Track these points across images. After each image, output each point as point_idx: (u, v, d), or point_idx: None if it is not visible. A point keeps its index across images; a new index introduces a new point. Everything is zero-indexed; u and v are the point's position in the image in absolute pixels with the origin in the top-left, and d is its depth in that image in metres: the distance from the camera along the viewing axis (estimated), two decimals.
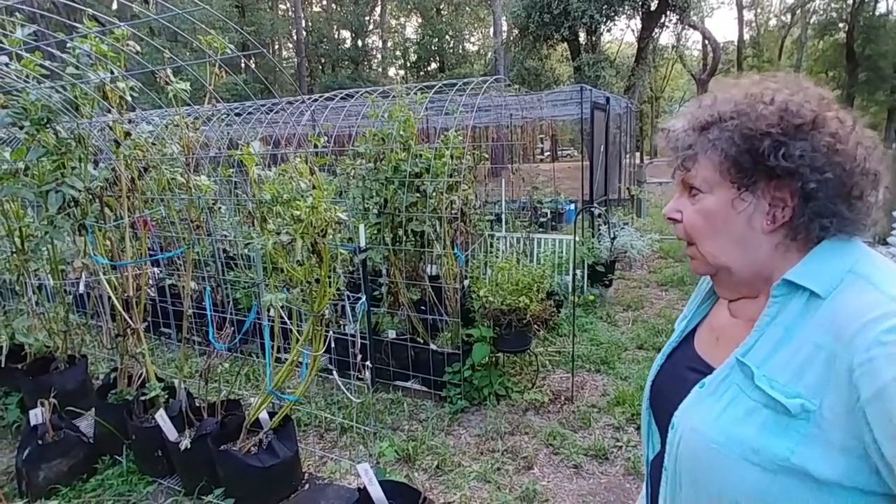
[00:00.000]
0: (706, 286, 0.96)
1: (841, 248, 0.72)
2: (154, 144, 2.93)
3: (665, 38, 26.08)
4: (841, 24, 26.78)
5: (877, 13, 25.43)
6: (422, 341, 3.73)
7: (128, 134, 2.60)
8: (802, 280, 0.71)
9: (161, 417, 2.71)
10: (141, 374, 2.99)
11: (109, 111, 2.63)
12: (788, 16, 32.59)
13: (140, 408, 2.92)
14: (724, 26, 71.65)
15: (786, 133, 0.69)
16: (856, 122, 0.73)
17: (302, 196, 2.24)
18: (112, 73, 2.50)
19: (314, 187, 2.22)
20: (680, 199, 0.82)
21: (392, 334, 3.76)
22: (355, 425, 3.06)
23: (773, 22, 35.53)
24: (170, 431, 2.72)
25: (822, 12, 28.81)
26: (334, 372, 2.63)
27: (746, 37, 33.61)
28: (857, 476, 0.62)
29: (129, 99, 2.66)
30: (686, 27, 22.36)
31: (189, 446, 2.59)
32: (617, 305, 5.56)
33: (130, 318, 2.86)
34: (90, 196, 2.58)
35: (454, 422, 3.39)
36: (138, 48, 2.62)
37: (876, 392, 0.59)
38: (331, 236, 2.34)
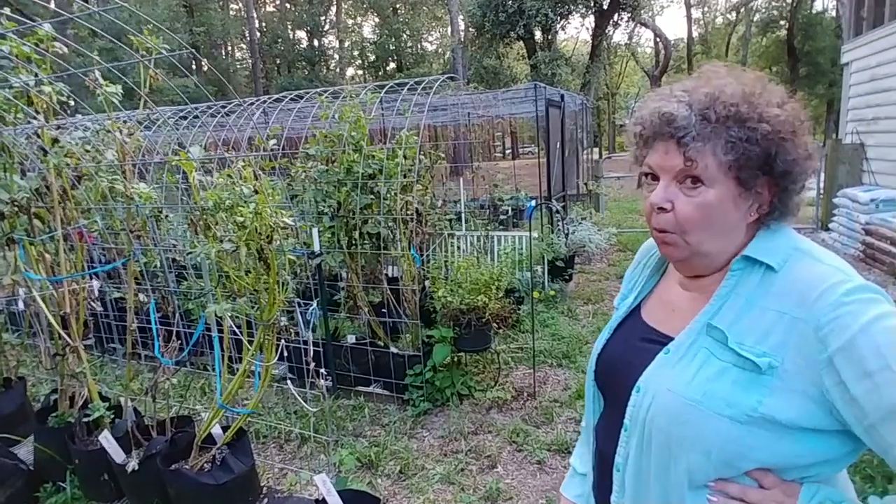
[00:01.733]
0: (651, 264, 1.02)
1: (781, 230, 0.84)
2: (88, 151, 2.77)
3: (618, 35, 26.68)
4: (782, 22, 28.04)
5: (814, 11, 26.78)
6: (382, 345, 3.68)
7: (55, 141, 2.45)
8: (760, 256, 0.80)
9: (105, 439, 2.57)
10: (83, 394, 2.83)
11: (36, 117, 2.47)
12: (734, 14, 33.90)
13: (83, 430, 2.76)
14: (674, 24, 74.10)
15: (788, 138, 0.77)
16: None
17: (245, 202, 2.16)
18: (36, 76, 2.35)
19: (256, 192, 2.14)
20: (669, 189, 0.81)
21: (352, 339, 3.69)
22: (313, 435, 2.98)
23: (719, 20, 36.91)
24: (116, 453, 2.58)
25: (764, 10, 30.10)
26: (288, 381, 2.55)
27: (695, 34, 34.80)
28: (814, 418, 0.73)
29: (57, 105, 2.51)
30: (638, 25, 22.95)
31: (137, 468, 2.47)
32: (577, 299, 5.63)
33: (69, 335, 2.70)
34: (16, 208, 2.42)
35: (417, 425, 3.35)
36: (65, 49, 2.48)
37: (845, 342, 0.69)
38: (277, 242, 2.26)
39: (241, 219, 2.15)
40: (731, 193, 0.78)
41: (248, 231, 2.15)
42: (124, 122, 2.84)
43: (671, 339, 0.86)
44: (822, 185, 7.94)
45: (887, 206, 6.16)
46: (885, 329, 0.69)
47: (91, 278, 2.93)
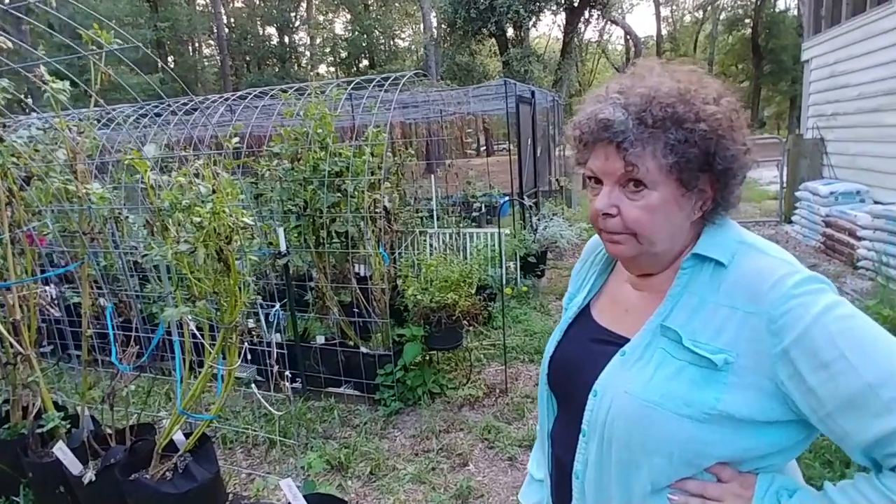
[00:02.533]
0: (599, 262, 1.01)
1: (725, 224, 0.84)
2: (38, 151, 2.65)
3: (590, 32, 27.01)
4: (747, 20, 28.79)
5: (777, 9, 27.56)
6: (352, 345, 3.64)
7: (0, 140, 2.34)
8: (709, 252, 0.80)
9: (60, 450, 2.46)
10: (37, 404, 2.72)
11: None
12: (701, 12, 34.65)
13: (37, 442, 2.65)
14: (643, 22, 75.33)
15: (726, 135, 0.76)
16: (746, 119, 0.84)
17: (203, 201, 2.09)
18: None
19: (215, 191, 2.07)
20: (613, 194, 0.80)
21: (321, 340, 3.63)
22: (279, 439, 2.92)
23: (687, 18, 37.68)
24: (72, 465, 2.48)
25: (729, 9, 30.84)
26: (253, 385, 2.49)
27: (664, 32, 35.44)
28: (770, 410, 0.73)
29: (2, 101, 2.39)
30: (608, 22, 23.26)
31: (94, 479, 2.38)
32: (550, 295, 5.67)
33: (20, 343, 2.58)
34: None
35: (388, 424, 3.32)
36: (8, 45, 2.36)
37: (798, 334, 0.70)
38: (238, 243, 2.20)
39: (199, 219, 2.09)
40: (674, 194, 0.78)
41: (206, 231, 2.08)
42: (80, 120, 2.72)
43: (626, 339, 0.85)
44: (784, 178, 8.17)
45: (846, 199, 6.37)
46: (837, 318, 0.70)
47: (44, 283, 2.81)
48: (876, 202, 5.98)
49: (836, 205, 6.33)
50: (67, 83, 2.27)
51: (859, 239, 5.56)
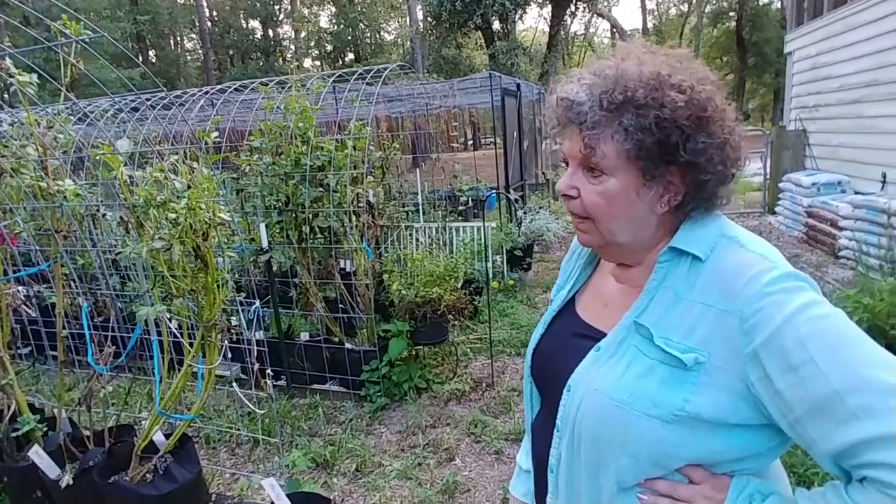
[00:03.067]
0: (585, 254, 0.98)
1: (708, 216, 0.80)
2: (7, 146, 2.57)
3: (576, 25, 26.99)
4: (731, 13, 28.96)
5: (761, 2, 27.73)
6: (337, 341, 3.60)
7: None
8: (686, 246, 0.77)
9: (36, 454, 2.41)
10: (12, 406, 2.65)
11: None
12: (686, 5, 34.79)
13: (12, 445, 2.59)
14: (629, 15, 75.54)
15: (693, 125, 0.72)
16: (735, 112, 0.78)
17: (178, 197, 2.04)
18: None
19: (190, 187, 2.02)
20: (576, 175, 0.79)
21: (305, 336, 3.59)
22: (261, 438, 2.89)
23: (672, 10, 37.84)
24: (49, 468, 2.43)
25: (714, 2, 30.99)
26: (234, 384, 2.45)
27: (650, 25, 35.57)
28: (740, 412, 0.71)
29: None
30: (594, 15, 23.26)
31: (71, 482, 2.33)
32: (536, 288, 5.67)
33: None
34: None
35: (375, 420, 3.30)
36: None
37: (769, 335, 0.67)
38: (216, 239, 2.15)
39: (174, 215, 2.04)
40: (634, 183, 0.76)
41: (182, 228, 2.04)
42: (54, 115, 2.64)
43: (603, 334, 0.83)
44: (768, 170, 8.25)
45: (827, 190, 6.44)
46: (808, 319, 0.66)
47: (15, 283, 2.73)
48: (857, 192, 6.06)
49: (819, 195, 6.40)
50: (35, 76, 2.20)
51: (841, 229, 5.63)
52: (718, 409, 0.71)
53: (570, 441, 0.82)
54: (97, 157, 2.10)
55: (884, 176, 5.82)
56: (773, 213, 7.80)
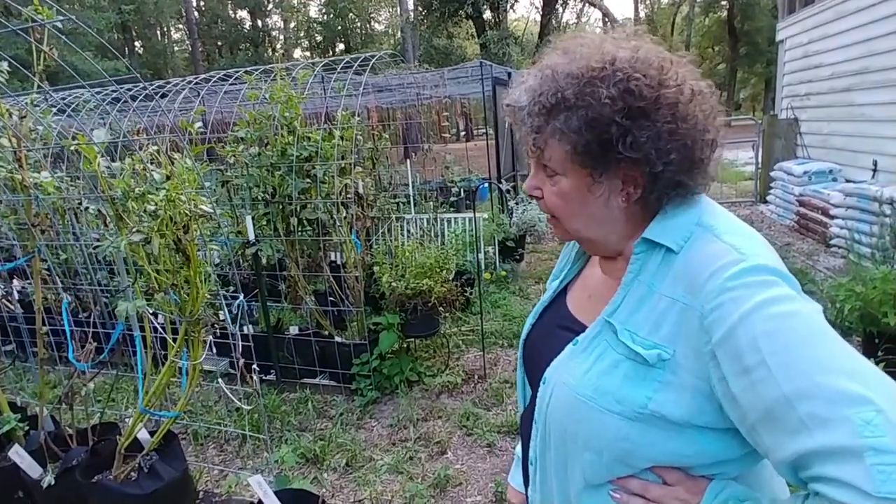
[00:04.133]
0: (578, 246, 0.96)
1: (687, 203, 0.75)
2: None
3: (568, 15, 26.84)
4: (723, 2, 28.87)
5: None
6: (327, 334, 3.55)
7: None
8: (658, 237, 0.73)
9: (16, 454, 2.35)
10: None
11: None
12: None
13: None
14: (621, 4, 75.27)
15: (630, 118, 0.68)
16: (694, 90, 0.72)
17: (157, 188, 1.97)
18: None
19: (168, 178, 1.95)
20: (537, 176, 0.80)
21: (294, 330, 3.54)
22: (249, 434, 2.84)
23: (664, 0, 37.67)
24: (30, 468, 2.37)
25: None
26: (220, 379, 2.40)
27: (642, 14, 35.43)
28: (705, 415, 0.67)
29: None
30: (586, 4, 23.11)
31: (53, 482, 2.27)
32: (529, 279, 5.64)
33: None
34: None
35: (365, 414, 3.26)
36: None
37: (724, 333, 0.63)
38: (197, 232, 2.09)
39: (153, 207, 1.97)
40: (584, 181, 0.74)
41: (161, 220, 1.97)
42: (32, 105, 2.55)
43: (585, 327, 0.81)
44: (759, 159, 8.25)
45: (819, 178, 6.45)
46: (766, 318, 0.61)
47: None
48: (848, 181, 6.06)
49: (810, 184, 6.41)
50: (6, 64, 2.11)
51: (832, 217, 5.64)
52: (683, 409, 0.67)
53: (544, 435, 0.81)
54: (71, 148, 2.02)
55: (875, 164, 5.83)
56: (765, 201, 7.81)
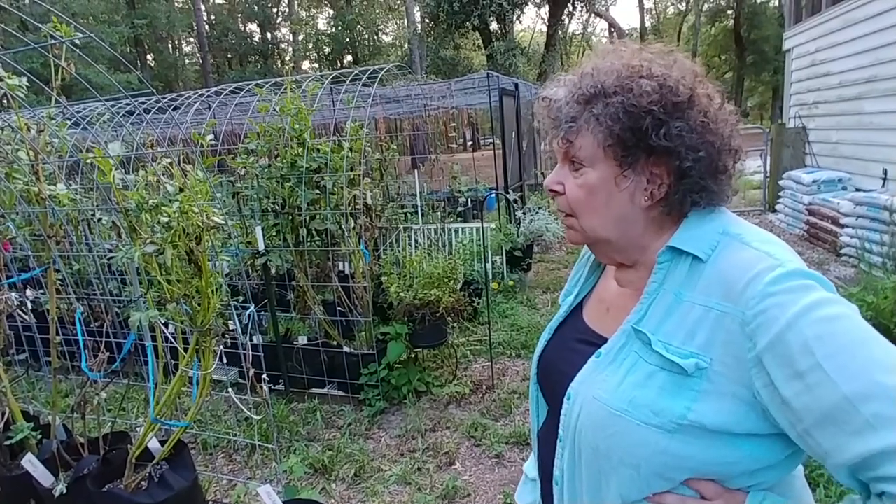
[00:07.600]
0: (593, 258, 0.97)
1: (709, 214, 0.76)
2: None
3: (574, 25, 27.00)
4: (729, 11, 28.95)
5: (758, 0, 27.71)
6: (335, 344, 3.57)
7: None
8: (685, 245, 0.74)
9: (30, 462, 2.37)
10: (6, 414, 2.62)
11: None
12: (684, 4, 34.80)
13: (6, 454, 2.55)
14: (627, 14, 75.65)
15: (666, 111, 0.70)
16: (723, 100, 0.76)
17: (170, 200, 2.01)
18: None
19: (181, 190, 1.99)
20: (561, 171, 0.81)
21: (303, 340, 3.56)
22: (258, 444, 2.85)
23: (671, 9, 37.84)
24: (43, 477, 2.40)
25: (712, 0, 30.98)
26: (230, 389, 2.41)
27: (648, 24, 35.57)
28: (746, 421, 0.67)
29: None
30: (592, 15, 23.24)
31: (65, 491, 2.29)
32: (536, 288, 5.64)
33: None
34: None
35: (373, 425, 3.26)
36: None
37: (772, 339, 0.62)
38: (209, 243, 2.12)
39: (166, 219, 2.01)
40: (613, 173, 0.75)
41: (174, 231, 2.00)
42: (49, 118, 2.60)
43: (605, 340, 0.80)
44: (768, 168, 8.21)
45: (828, 187, 6.41)
46: (814, 321, 0.62)
47: (9, 288, 2.70)
48: (858, 189, 6.02)
49: (819, 193, 6.37)
50: (25, 80, 2.17)
51: (842, 226, 5.59)
52: (723, 417, 0.67)
53: (572, 452, 0.79)
54: (87, 161, 2.06)
55: (885, 172, 5.79)
56: (774, 210, 7.77)
